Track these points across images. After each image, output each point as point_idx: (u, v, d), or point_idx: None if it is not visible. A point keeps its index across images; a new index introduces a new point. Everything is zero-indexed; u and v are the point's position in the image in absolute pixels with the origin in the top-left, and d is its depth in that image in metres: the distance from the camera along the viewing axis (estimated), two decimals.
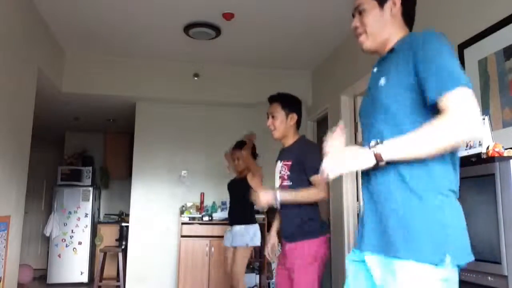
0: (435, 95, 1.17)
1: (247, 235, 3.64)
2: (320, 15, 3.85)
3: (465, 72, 1.20)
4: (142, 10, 3.80)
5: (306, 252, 2.28)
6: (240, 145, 3.82)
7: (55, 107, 5.48)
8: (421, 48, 1.24)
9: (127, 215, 5.80)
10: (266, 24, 4.06)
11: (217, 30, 4.15)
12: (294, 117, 2.48)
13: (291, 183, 2.37)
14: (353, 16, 1.48)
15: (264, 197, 2.30)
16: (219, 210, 5.06)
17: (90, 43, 4.59)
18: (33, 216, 7.40)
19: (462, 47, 2.53)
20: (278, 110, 2.48)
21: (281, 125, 2.47)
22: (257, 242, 3.67)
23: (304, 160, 2.34)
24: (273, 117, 2.49)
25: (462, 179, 1.86)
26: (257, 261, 5.11)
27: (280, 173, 2.45)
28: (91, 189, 6.53)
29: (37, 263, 7.09)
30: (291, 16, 3.87)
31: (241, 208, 3.78)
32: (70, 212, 6.39)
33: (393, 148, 1.19)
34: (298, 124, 2.52)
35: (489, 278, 1.64)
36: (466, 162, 1.89)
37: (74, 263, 6.27)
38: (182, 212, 5.03)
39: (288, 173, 2.39)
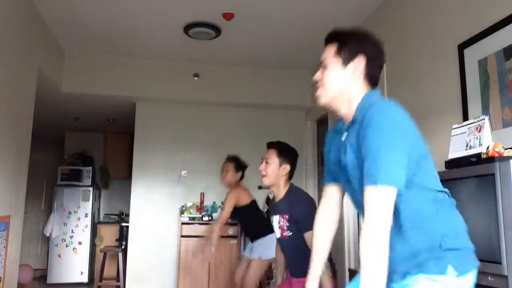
0: (364, 184, 1.21)
1: (260, 247, 3.57)
2: (320, 15, 3.85)
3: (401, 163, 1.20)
4: (142, 10, 3.80)
5: None
6: (233, 158, 3.82)
7: (55, 107, 5.47)
8: (364, 132, 1.25)
9: (127, 215, 5.80)
10: (266, 24, 4.06)
11: (217, 30, 4.15)
12: (287, 168, 2.47)
13: (291, 233, 2.39)
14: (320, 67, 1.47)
15: None
16: (219, 210, 5.05)
17: (90, 43, 4.59)
18: (33, 216, 7.40)
19: (462, 47, 2.53)
20: (273, 157, 2.48)
21: (273, 173, 2.46)
22: (270, 256, 3.54)
23: (297, 216, 2.34)
24: (267, 163, 2.48)
25: (462, 179, 1.87)
26: None
27: (279, 223, 2.46)
28: (91, 189, 6.53)
29: (37, 263, 7.09)
30: (291, 16, 3.87)
31: (250, 226, 3.75)
32: (70, 212, 6.39)
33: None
34: (290, 175, 2.52)
35: (489, 278, 1.64)
36: (466, 162, 1.89)
37: (74, 263, 6.27)
38: (182, 212, 5.02)
39: (287, 224, 2.40)
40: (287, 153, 2.51)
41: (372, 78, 1.40)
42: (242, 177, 3.83)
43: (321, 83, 1.42)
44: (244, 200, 3.65)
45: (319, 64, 1.45)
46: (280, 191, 2.49)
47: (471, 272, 1.25)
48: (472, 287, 1.25)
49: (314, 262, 1.60)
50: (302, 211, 2.32)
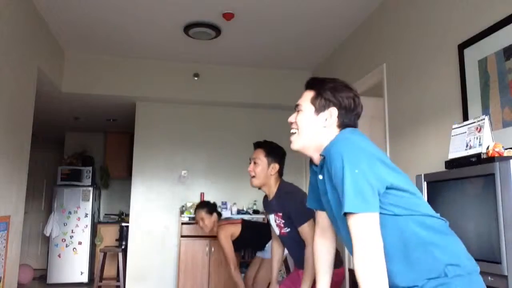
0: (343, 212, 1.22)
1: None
2: (320, 15, 3.86)
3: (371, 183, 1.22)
4: (142, 10, 3.80)
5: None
6: (201, 205, 3.73)
7: (55, 107, 5.48)
8: (330, 168, 1.29)
9: (127, 215, 5.80)
10: (266, 24, 4.06)
11: (217, 30, 4.15)
12: (275, 167, 2.45)
13: (289, 229, 2.39)
14: (295, 109, 1.50)
15: None
16: (219, 210, 5.05)
17: (90, 43, 4.59)
18: (33, 216, 7.40)
19: (462, 47, 2.53)
20: (261, 157, 2.45)
21: (262, 173, 2.44)
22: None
23: (289, 212, 2.32)
24: (255, 163, 2.46)
25: (462, 179, 1.87)
26: None
27: (276, 222, 2.46)
28: (91, 189, 6.53)
29: (37, 263, 7.10)
30: (291, 16, 3.87)
31: (254, 243, 3.71)
32: (70, 212, 6.39)
33: None
34: (279, 173, 2.49)
35: (489, 278, 1.64)
36: (466, 162, 1.89)
37: (74, 263, 6.27)
38: (182, 212, 5.02)
39: (283, 221, 2.40)
40: (275, 152, 2.49)
41: (346, 128, 1.42)
42: (219, 215, 3.76)
43: (295, 127, 1.46)
44: (236, 232, 3.57)
45: (294, 108, 1.50)
46: (271, 190, 2.47)
47: None
48: None
49: (320, 285, 1.62)
50: (292, 207, 2.30)
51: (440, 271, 1.22)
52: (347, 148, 1.26)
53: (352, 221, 1.20)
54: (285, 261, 3.74)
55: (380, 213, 1.22)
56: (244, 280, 3.63)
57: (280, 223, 2.42)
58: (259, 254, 3.72)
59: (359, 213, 1.18)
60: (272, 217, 2.49)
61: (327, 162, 1.30)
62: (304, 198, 2.41)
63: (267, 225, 3.47)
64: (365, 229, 1.18)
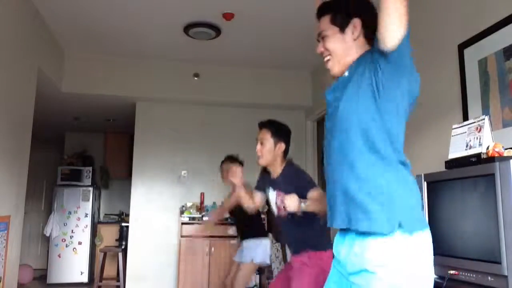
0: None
1: (253, 249, 3.54)
2: None
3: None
4: (142, 10, 3.80)
5: (307, 261, 2.30)
6: (229, 158, 3.77)
7: (55, 107, 5.47)
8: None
9: (127, 215, 5.80)
10: (266, 24, 4.06)
11: (217, 30, 4.15)
12: (282, 146, 2.45)
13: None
14: (318, 41, 1.50)
15: (292, 203, 2.13)
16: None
17: (90, 43, 4.59)
18: (33, 216, 7.40)
19: (462, 47, 2.53)
20: (267, 137, 2.46)
21: (269, 154, 2.44)
22: (262, 260, 3.53)
23: (297, 185, 2.30)
24: (261, 143, 2.46)
25: (462, 179, 1.87)
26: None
27: (277, 204, 2.45)
28: (91, 189, 6.53)
29: (37, 263, 7.09)
30: (291, 16, 3.87)
31: (251, 223, 3.69)
32: (70, 212, 6.39)
33: None
34: (285, 153, 2.49)
35: (489, 278, 1.64)
36: (466, 162, 1.89)
37: (74, 263, 6.26)
38: (182, 212, 5.02)
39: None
40: (281, 131, 2.49)
41: (373, 34, 1.42)
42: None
43: (327, 53, 1.46)
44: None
45: (317, 37, 1.49)
46: (277, 168, 2.47)
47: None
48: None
49: None
50: (302, 182, 2.30)
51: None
52: None
53: None
54: (282, 248, 3.74)
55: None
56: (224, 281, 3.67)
57: (281, 205, 2.40)
58: (236, 257, 3.69)
59: None
60: (272, 196, 2.47)
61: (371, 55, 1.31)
62: (309, 176, 2.43)
63: (263, 224, 3.48)
64: None
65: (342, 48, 1.43)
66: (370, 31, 1.41)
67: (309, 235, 2.34)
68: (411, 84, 1.33)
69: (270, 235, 4.71)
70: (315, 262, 2.27)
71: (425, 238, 1.27)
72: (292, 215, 2.27)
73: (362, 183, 1.28)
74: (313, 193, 2.22)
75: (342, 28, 1.42)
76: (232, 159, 3.80)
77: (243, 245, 3.64)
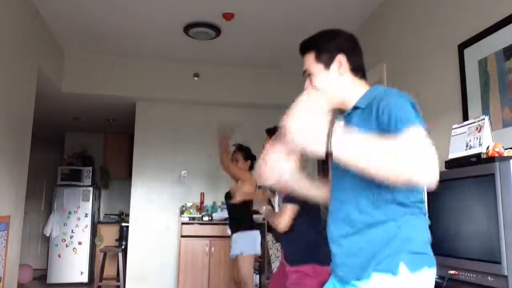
0: (393, 128, 1.16)
1: (242, 241, 3.52)
2: (320, 15, 3.85)
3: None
4: (142, 10, 3.80)
5: (309, 272, 2.24)
6: (241, 148, 3.75)
7: (55, 107, 5.48)
8: (383, 97, 1.25)
9: (127, 215, 5.80)
10: (266, 24, 4.06)
11: (217, 30, 4.15)
12: None
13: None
14: (304, 76, 1.49)
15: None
16: (219, 210, 5.06)
17: (90, 43, 4.59)
18: (33, 216, 7.40)
19: (462, 47, 2.53)
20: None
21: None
22: (252, 251, 3.52)
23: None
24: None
25: (462, 179, 1.87)
26: (257, 261, 5.11)
27: (279, 204, 2.47)
28: (91, 189, 6.53)
29: (37, 263, 7.09)
30: (291, 16, 3.87)
31: (236, 216, 3.68)
32: (70, 212, 6.39)
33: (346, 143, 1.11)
34: None
35: (489, 278, 1.64)
36: (466, 162, 1.89)
37: (74, 263, 6.26)
38: (182, 212, 5.02)
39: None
40: None
41: (358, 69, 1.42)
42: (251, 167, 3.72)
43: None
44: (251, 189, 3.56)
45: (303, 73, 1.48)
46: None
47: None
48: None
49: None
50: None
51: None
52: (402, 94, 1.26)
53: (410, 132, 1.09)
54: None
55: None
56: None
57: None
58: (231, 253, 3.66)
59: (417, 126, 1.11)
60: (277, 199, 2.47)
61: (377, 102, 1.25)
62: None
63: (248, 215, 3.46)
64: (425, 137, 1.08)
65: (330, 85, 1.41)
66: (356, 64, 1.41)
67: (311, 242, 2.30)
68: None
69: (271, 235, 4.72)
70: (319, 273, 2.25)
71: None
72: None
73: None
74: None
75: (327, 65, 1.41)
76: (241, 149, 3.76)
77: (233, 239, 3.64)
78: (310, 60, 1.45)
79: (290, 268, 2.31)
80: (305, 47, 1.49)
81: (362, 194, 1.27)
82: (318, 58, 1.43)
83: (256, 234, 3.60)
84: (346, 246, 1.31)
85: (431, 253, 1.26)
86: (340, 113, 1.47)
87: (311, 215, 2.35)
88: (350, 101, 1.39)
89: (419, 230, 1.27)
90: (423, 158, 1.02)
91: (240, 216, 3.63)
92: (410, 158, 1.02)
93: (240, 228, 3.58)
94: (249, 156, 3.71)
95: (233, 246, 3.59)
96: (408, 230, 1.23)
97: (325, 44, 1.43)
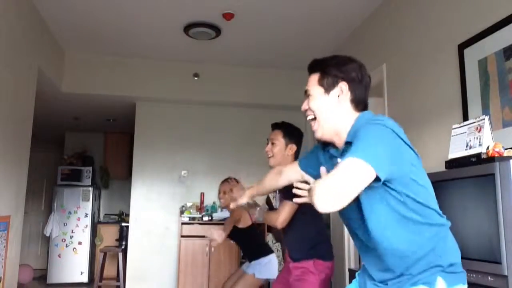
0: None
1: (258, 266, 3.43)
2: (320, 15, 3.86)
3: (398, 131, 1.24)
4: (142, 10, 3.80)
5: (311, 268, 2.25)
6: (228, 180, 3.68)
7: (55, 107, 5.48)
8: (361, 127, 1.26)
9: (127, 215, 5.80)
10: (266, 24, 4.06)
11: (217, 30, 4.15)
12: (293, 148, 2.47)
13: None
14: (305, 95, 1.48)
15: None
16: (219, 210, 5.05)
17: (90, 43, 4.59)
18: (33, 216, 7.40)
19: (462, 47, 2.53)
20: (279, 138, 2.47)
21: (279, 153, 2.45)
22: (266, 276, 3.43)
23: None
24: (272, 143, 2.48)
25: (462, 179, 1.87)
26: None
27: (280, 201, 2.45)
28: (91, 189, 6.53)
29: (37, 263, 7.09)
30: (291, 16, 3.87)
31: (246, 248, 3.63)
32: (70, 212, 6.39)
33: None
34: (296, 155, 2.50)
35: (489, 278, 1.64)
36: (466, 162, 1.89)
37: (74, 263, 6.27)
38: (182, 212, 5.02)
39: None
40: (293, 133, 2.51)
41: (359, 102, 1.39)
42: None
43: (311, 113, 1.43)
44: (246, 222, 3.53)
45: (305, 93, 1.46)
46: None
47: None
48: None
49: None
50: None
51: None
52: (376, 126, 1.23)
53: (346, 161, 1.14)
54: (283, 248, 3.70)
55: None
56: (224, 285, 3.63)
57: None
58: (243, 266, 3.65)
59: (360, 159, 1.12)
60: (276, 196, 2.50)
61: (356, 135, 1.25)
62: None
63: (265, 241, 3.42)
64: (353, 170, 1.12)
65: (325, 110, 1.39)
66: (358, 96, 1.37)
67: (313, 239, 2.31)
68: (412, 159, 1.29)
69: (271, 235, 4.71)
70: (321, 269, 2.26)
71: None
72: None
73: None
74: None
75: (328, 90, 1.39)
76: (228, 180, 3.72)
77: (252, 263, 3.57)
78: (313, 81, 1.43)
79: (294, 265, 2.33)
80: (312, 67, 1.47)
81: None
82: (321, 81, 1.41)
83: (271, 258, 3.53)
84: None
85: (463, 270, 1.32)
86: (334, 148, 1.45)
87: (311, 212, 2.35)
88: (344, 133, 1.37)
89: (451, 247, 1.33)
90: (325, 188, 1.13)
91: (253, 242, 3.59)
92: (319, 186, 1.14)
93: (259, 254, 3.50)
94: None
95: (250, 267, 3.52)
96: (447, 256, 1.29)
97: (332, 68, 1.40)
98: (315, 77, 1.43)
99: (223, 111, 5.44)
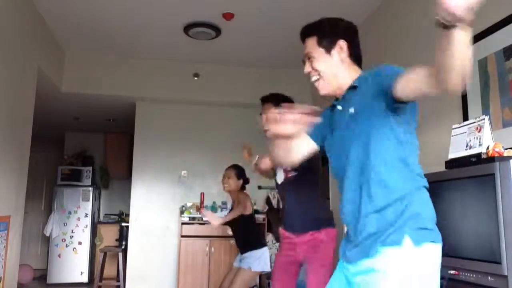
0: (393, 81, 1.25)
1: (252, 259, 3.45)
2: (320, 15, 3.85)
3: None
4: (142, 10, 3.80)
5: (324, 237, 2.27)
6: (234, 166, 3.69)
7: (55, 107, 5.48)
8: (374, 70, 1.36)
9: (127, 215, 5.80)
10: (266, 24, 4.06)
11: (217, 30, 4.15)
12: None
13: (295, 172, 2.41)
14: (303, 62, 1.53)
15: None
16: (219, 210, 5.06)
17: (90, 43, 4.59)
18: (33, 216, 7.39)
19: None
20: (271, 111, 2.47)
21: None
22: (261, 268, 3.47)
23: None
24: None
25: (462, 179, 1.87)
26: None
27: (283, 171, 2.46)
28: (91, 189, 6.53)
29: (37, 263, 7.09)
30: (291, 16, 3.87)
31: (243, 237, 3.62)
32: (70, 212, 6.38)
33: None
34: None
35: (489, 278, 1.64)
36: (466, 162, 1.89)
37: (74, 263, 6.26)
38: (182, 212, 5.02)
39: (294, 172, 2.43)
40: (284, 103, 2.49)
41: (357, 57, 1.49)
42: (244, 185, 3.68)
43: (315, 74, 1.48)
44: (248, 210, 3.55)
45: (303, 57, 1.52)
46: None
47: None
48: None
49: None
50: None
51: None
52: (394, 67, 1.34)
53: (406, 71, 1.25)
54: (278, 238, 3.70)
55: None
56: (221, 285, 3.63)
57: (286, 167, 2.43)
58: (235, 263, 3.65)
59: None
60: (280, 176, 2.51)
61: (373, 74, 1.36)
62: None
63: (260, 233, 3.42)
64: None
65: (330, 69, 1.46)
66: (355, 52, 1.47)
67: (318, 209, 2.34)
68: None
69: (271, 235, 4.72)
70: (332, 237, 2.28)
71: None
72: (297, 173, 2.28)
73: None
74: None
75: (328, 50, 1.46)
76: (233, 167, 3.72)
77: (244, 255, 3.58)
78: (312, 44, 1.49)
79: (303, 236, 2.33)
80: (307, 32, 1.53)
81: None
82: (320, 43, 1.47)
83: (264, 251, 3.53)
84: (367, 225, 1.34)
85: (437, 229, 1.31)
86: (335, 99, 1.52)
87: (312, 184, 2.40)
88: (346, 86, 1.45)
89: (426, 205, 1.34)
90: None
91: (249, 236, 3.60)
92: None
93: (251, 248, 3.52)
94: (241, 175, 3.64)
95: (242, 260, 3.53)
96: (417, 206, 1.30)
97: (327, 29, 1.48)
98: (313, 41, 1.49)
99: (223, 111, 5.44)
